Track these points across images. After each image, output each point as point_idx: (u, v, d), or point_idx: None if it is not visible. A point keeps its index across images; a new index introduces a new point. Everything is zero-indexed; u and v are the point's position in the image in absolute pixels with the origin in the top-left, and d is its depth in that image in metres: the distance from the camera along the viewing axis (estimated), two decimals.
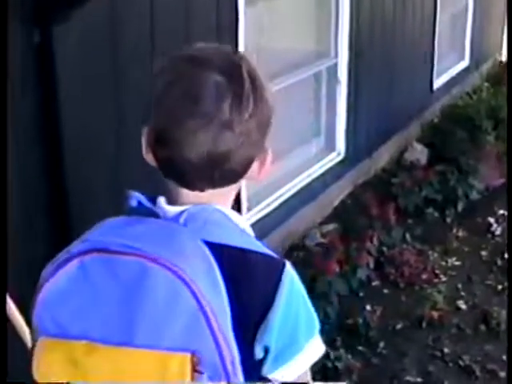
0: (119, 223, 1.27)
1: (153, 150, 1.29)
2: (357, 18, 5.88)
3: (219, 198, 1.33)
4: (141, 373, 1.17)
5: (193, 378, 1.16)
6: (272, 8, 5.15)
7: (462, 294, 4.91)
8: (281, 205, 5.13)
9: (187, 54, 1.30)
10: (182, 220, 1.26)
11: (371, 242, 5.13)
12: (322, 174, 5.70)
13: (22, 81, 2.94)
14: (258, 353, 1.26)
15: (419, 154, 6.97)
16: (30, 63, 2.97)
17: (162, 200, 1.31)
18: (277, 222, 5.09)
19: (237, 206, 4.59)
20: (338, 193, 6.03)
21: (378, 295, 4.85)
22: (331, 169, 5.83)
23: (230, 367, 1.18)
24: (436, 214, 6.01)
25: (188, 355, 1.16)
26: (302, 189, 5.42)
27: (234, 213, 1.35)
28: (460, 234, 5.76)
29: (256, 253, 1.28)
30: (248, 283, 1.24)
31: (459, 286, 5.00)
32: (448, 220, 5.97)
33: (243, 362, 1.21)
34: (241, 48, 4.39)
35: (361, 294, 4.82)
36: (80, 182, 3.22)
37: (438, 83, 8.05)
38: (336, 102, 5.85)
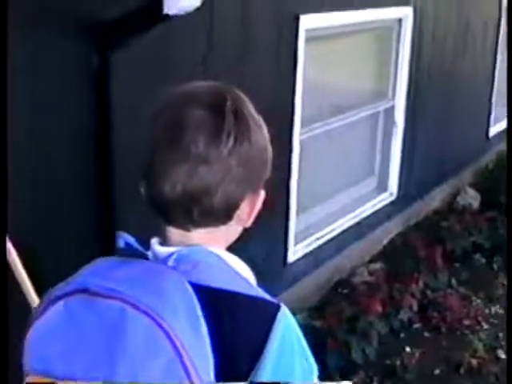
0: (107, 265, 1.26)
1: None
2: (417, 61, 5.99)
3: (211, 240, 1.29)
4: None
5: None
6: (332, 47, 5.26)
7: (503, 343, 4.91)
8: (330, 240, 5.22)
9: (180, 90, 1.29)
10: (171, 262, 1.24)
11: (416, 284, 5.18)
12: (373, 213, 5.79)
13: (81, 103, 3.11)
14: None
15: (471, 198, 7.01)
16: (89, 87, 3.13)
17: (154, 241, 1.30)
18: (325, 257, 5.20)
19: (284, 238, 4.71)
20: (387, 232, 6.11)
21: (419, 338, 4.88)
22: (382, 208, 5.92)
23: None
24: (483, 260, 6.02)
25: None
26: (353, 226, 5.51)
27: (231, 256, 1.31)
28: (505, 281, 5.73)
29: (247, 296, 1.22)
30: (234, 327, 1.18)
31: (500, 335, 5.01)
32: (495, 267, 5.97)
33: None
34: (299, 84, 4.50)
35: (401, 336, 4.86)
36: (129, 201, 3.37)
37: (494, 130, 8.09)
38: (391, 144, 5.95)
